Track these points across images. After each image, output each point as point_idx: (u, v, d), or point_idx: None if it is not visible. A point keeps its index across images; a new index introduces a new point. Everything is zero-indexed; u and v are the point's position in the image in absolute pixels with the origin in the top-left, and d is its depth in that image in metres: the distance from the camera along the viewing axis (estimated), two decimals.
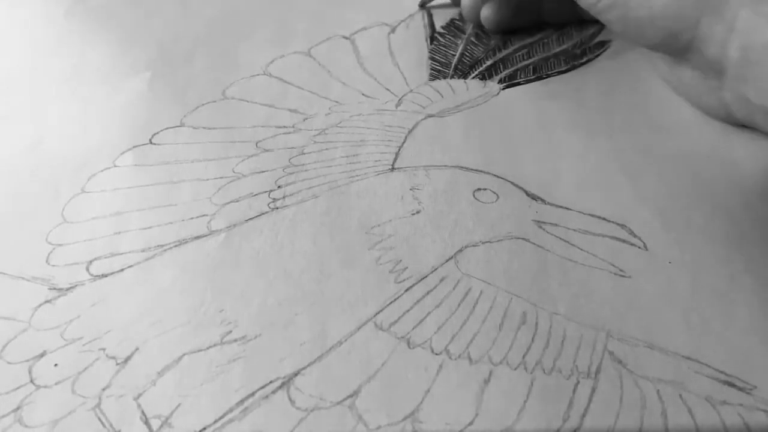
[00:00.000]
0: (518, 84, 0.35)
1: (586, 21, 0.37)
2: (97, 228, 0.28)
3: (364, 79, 0.35)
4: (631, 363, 0.24)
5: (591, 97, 0.34)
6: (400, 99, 0.34)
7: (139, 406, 0.23)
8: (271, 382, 0.23)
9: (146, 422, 0.22)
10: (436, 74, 0.36)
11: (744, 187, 0.29)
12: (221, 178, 0.30)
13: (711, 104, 0.31)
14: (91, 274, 0.27)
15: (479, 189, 0.29)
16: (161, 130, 0.32)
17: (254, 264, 0.27)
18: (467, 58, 0.37)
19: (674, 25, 0.28)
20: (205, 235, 0.28)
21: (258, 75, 0.35)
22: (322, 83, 0.35)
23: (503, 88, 0.35)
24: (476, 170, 0.30)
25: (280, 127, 0.33)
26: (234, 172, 0.31)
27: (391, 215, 0.28)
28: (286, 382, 0.23)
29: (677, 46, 0.29)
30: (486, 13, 0.37)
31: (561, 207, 0.29)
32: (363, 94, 0.34)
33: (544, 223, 0.28)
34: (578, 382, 0.23)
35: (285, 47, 0.37)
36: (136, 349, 0.24)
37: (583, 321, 0.25)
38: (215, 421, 0.22)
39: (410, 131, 0.33)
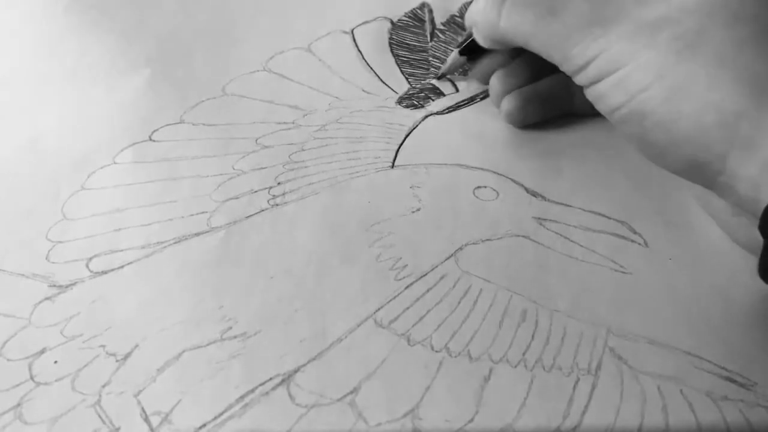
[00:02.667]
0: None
1: None
2: (97, 225, 0.28)
3: (365, 74, 0.35)
4: (631, 359, 0.24)
5: None
6: (400, 96, 0.34)
7: (138, 402, 0.23)
8: (271, 378, 0.23)
9: (146, 419, 0.22)
10: (437, 71, 0.35)
11: None
12: (221, 174, 0.30)
13: (742, 237, 0.26)
14: (91, 271, 0.27)
15: (479, 187, 0.29)
16: (161, 127, 0.32)
17: (254, 261, 0.27)
18: None
19: (698, 155, 0.23)
20: (205, 232, 0.28)
21: (258, 71, 0.35)
22: (322, 79, 0.35)
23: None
24: (476, 168, 0.30)
25: (280, 123, 0.33)
26: (234, 168, 0.31)
27: (391, 213, 0.28)
28: (286, 379, 0.23)
29: (703, 177, 0.24)
30: (508, 107, 0.32)
31: (561, 204, 0.29)
32: (363, 90, 0.34)
33: (545, 220, 0.28)
34: (578, 379, 0.23)
35: (285, 43, 0.37)
36: (136, 345, 0.24)
37: (584, 318, 0.25)
38: (215, 418, 0.22)
39: (411, 129, 0.33)
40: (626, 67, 0.24)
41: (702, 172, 0.23)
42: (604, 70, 0.25)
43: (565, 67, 0.27)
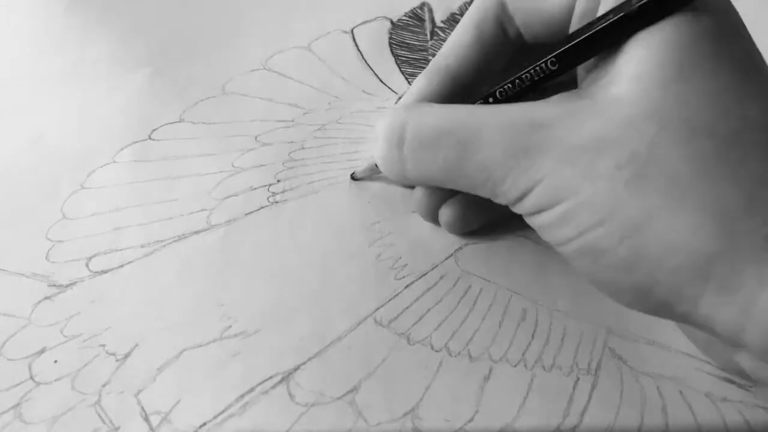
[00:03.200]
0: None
1: None
2: (97, 224, 0.28)
3: (365, 74, 0.35)
4: (631, 359, 0.24)
5: None
6: (400, 96, 0.34)
7: (138, 402, 0.23)
8: (270, 377, 0.23)
9: (146, 418, 0.22)
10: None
11: None
12: (221, 172, 0.30)
13: (720, 357, 0.23)
14: (91, 271, 0.27)
15: None
16: (161, 126, 0.32)
17: (254, 259, 0.27)
18: None
19: (665, 298, 0.20)
20: (205, 230, 0.28)
21: (258, 70, 0.35)
22: (322, 78, 0.35)
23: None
24: None
25: (279, 122, 0.33)
26: (233, 166, 0.30)
27: (391, 212, 0.28)
28: (286, 378, 0.23)
29: (671, 316, 0.20)
30: (447, 217, 0.27)
31: None
32: (363, 91, 0.34)
33: None
34: (578, 379, 0.23)
35: (285, 42, 0.37)
36: (136, 345, 0.24)
37: (584, 317, 0.25)
38: (215, 417, 0.22)
39: None
40: (569, 201, 0.20)
41: (670, 312, 0.20)
42: (542, 203, 0.21)
43: (498, 201, 0.23)
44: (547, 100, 0.22)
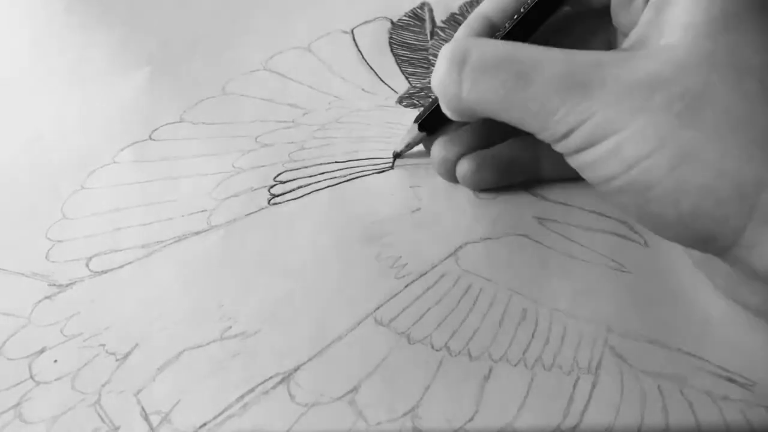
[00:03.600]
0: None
1: None
2: (97, 224, 0.28)
3: (365, 74, 0.35)
4: (631, 358, 0.24)
5: None
6: (400, 96, 0.34)
7: (138, 402, 0.23)
8: (270, 377, 0.23)
9: (146, 418, 0.22)
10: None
11: None
12: (221, 173, 0.30)
13: (752, 303, 0.24)
14: (91, 270, 0.27)
15: None
16: (161, 126, 0.32)
17: (254, 259, 0.27)
18: None
19: (710, 229, 0.20)
20: (205, 231, 0.28)
21: (258, 70, 0.35)
22: (322, 78, 0.35)
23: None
24: None
25: (279, 122, 0.33)
26: (234, 167, 0.31)
27: (391, 211, 0.28)
28: (286, 378, 0.23)
29: (712, 248, 0.21)
30: (464, 170, 0.28)
31: (561, 203, 0.29)
32: (363, 90, 0.34)
33: (545, 219, 0.28)
34: (578, 378, 0.23)
35: (285, 42, 0.37)
36: (136, 345, 0.24)
37: (584, 317, 0.25)
38: (215, 417, 0.22)
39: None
40: (619, 134, 0.21)
41: (712, 244, 0.21)
42: (591, 138, 0.22)
43: (543, 137, 0.23)
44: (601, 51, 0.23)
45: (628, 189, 0.21)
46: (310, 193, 0.29)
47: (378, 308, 0.25)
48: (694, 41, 0.21)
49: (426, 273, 0.26)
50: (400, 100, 0.34)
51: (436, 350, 0.24)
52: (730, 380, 0.23)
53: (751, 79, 0.20)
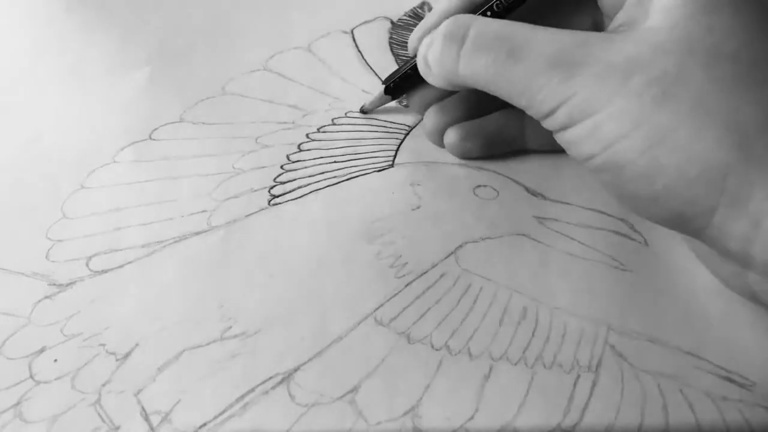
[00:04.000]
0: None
1: None
2: (97, 224, 0.28)
3: (365, 74, 0.35)
4: (632, 357, 0.24)
5: None
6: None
7: (138, 401, 0.23)
8: (271, 377, 0.23)
9: (146, 418, 0.22)
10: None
11: None
12: (221, 173, 0.30)
13: (733, 282, 0.24)
14: (91, 270, 0.27)
15: (479, 185, 0.29)
16: (161, 126, 0.32)
17: (254, 259, 0.27)
18: None
19: (682, 209, 0.21)
20: (205, 231, 0.28)
21: (258, 70, 0.35)
22: (322, 79, 0.35)
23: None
24: (476, 166, 0.30)
25: (280, 123, 0.33)
26: (234, 167, 0.31)
27: (391, 210, 0.28)
28: (286, 378, 0.23)
29: (687, 229, 0.22)
30: (451, 139, 0.30)
31: (561, 202, 0.29)
32: (363, 90, 0.34)
33: (545, 218, 0.28)
34: (579, 377, 0.23)
35: (285, 42, 0.37)
36: (136, 344, 0.24)
37: (584, 315, 0.25)
38: (215, 417, 0.22)
39: (411, 127, 0.33)
40: (597, 115, 0.22)
41: (686, 224, 0.22)
42: (573, 116, 0.23)
43: (531, 112, 0.24)
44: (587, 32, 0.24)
45: (606, 167, 0.23)
46: (309, 193, 0.29)
47: (378, 308, 0.25)
48: (674, 24, 0.22)
49: (426, 272, 0.26)
50: (399, 101, 0.34)
51: (436, 350, 0.24)
52: (730, 380, 0.23)
53: (725, 63, 0.21)
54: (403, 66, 0.31)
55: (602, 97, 0.22)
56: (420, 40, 0.29)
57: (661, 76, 0.21)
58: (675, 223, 0.22)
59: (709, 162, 0.20)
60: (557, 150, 0.26)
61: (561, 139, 0.24)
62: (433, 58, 0.27)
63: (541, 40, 0.23)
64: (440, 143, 0.31)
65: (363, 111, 0.33)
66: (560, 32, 0.23)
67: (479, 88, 0.26)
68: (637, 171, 0.22)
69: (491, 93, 0.25)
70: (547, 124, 0.24)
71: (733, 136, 0.20)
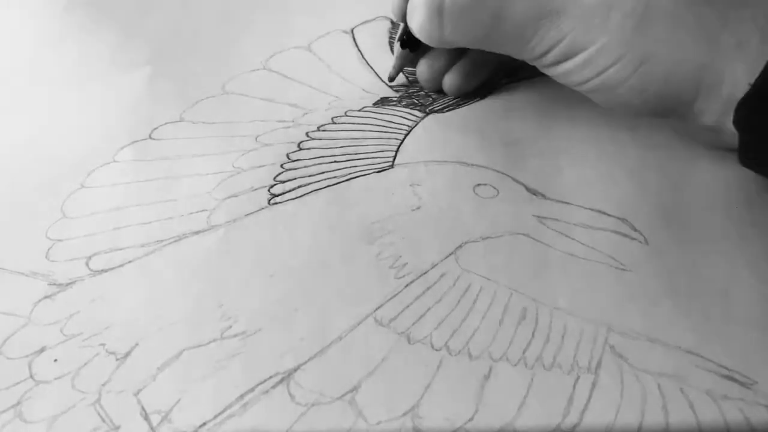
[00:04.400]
0: (520, 79, 0.34)
1: None
2: (97, 223, 0.28)
3: (365, 74, 0.35)
4: (631, 357, 0.23)
5: None
6: (400, 95, 0.34)
7: (138, 401, 0.23)
8: (270, 377, 0.23)
9: (146, 418, 0.22)
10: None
11: (745, 181, 0.29)
12: (221, 172, 0.30)
13: (706, 141, 0.30)
14: (91, 270, 0.27)
15: (479, 184, 0.29)
16: (161, 125, 0.32)
17: (254, 259, 0.27)
18: None
19: (670, 105, 0.27)
20: (205, 230, 0.28)
21: (258, 70, 0.35)
22: (322, 78, 0.35)
23: (505, 84, 0.34)
24: (476, 166, 0.30)
25: (279, 122, 0.33)
26: (234, 166, 0.31)
27: (391, 211, 0.28)
28: (286, 378, 0.23)
29: (672, 115, 0.28)
30: (451, 82, 0.33)
31: (561, 202, 0.29)
32: (363, 90, 0.34)
33: (545, 218, 0.28)
34: (579, 377, 0.23)
35: (285, 42, 0.37)
36: (136, 344, 0.24)
37: (584, 315, 0.25)
38: (215, 417, 0.22)
39: (411, 127, 0.33)
40: (588, 50, 0.26)
41: (671, 113, 0.27)
42: (565, 55, 0.27)
43: (522, 58, 0.28)
44: None
45: (599, 88, 0.27)
46: (309, 192, 0.29)
47: (378, 308, 0.25)
48: None
49: (426, 272, 0.26)
50: (399, 99, 0.34)
51: (436, 350, 0.24)
52: (730, 379, 0.23)
53: None
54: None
55: (588, 36, 0.26)
56: (402, 5, 0.30)
57: (634, 8, 0.25)
58: (661, 114, 0.28)
59: (687, 65, 0.26)
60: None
61: (551, 72, 0.28)
62: (417, 28, 0.29)
63: None
64: (437, 89, 0.33)
65: (390, 79, 0.34)
66: None
67: (469, 46, 0.29)
68: (630, 86, 0.26)
69: (481, 48, 0.28)
70: (539, 64, 0.28)
71: (703, 41, 0.25)
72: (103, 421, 0.22)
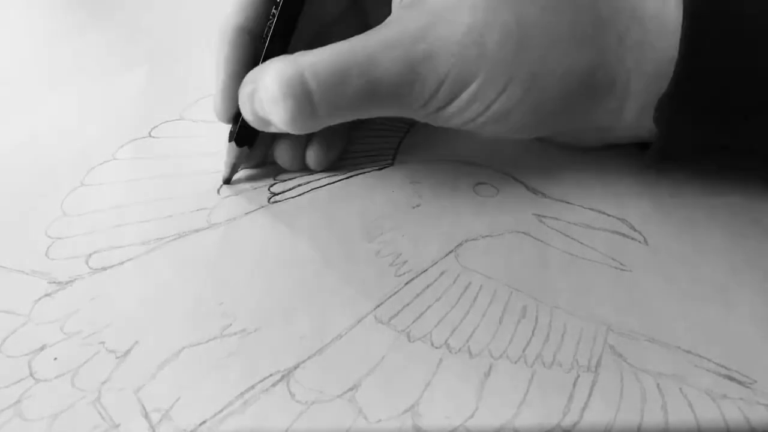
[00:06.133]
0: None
1: None
2: (97, 221, 0.28)
3: None
4: (631, 356, 0.24)
5: None
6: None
7: (139, 399, 0.23)
8: (270, 375, 0.23)
9: (146, 416, 0.22)
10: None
11: (744, 180, 0.29)
12: (221, 171, 0.30)
13: (593, 142, 0.30)
14: (91, 268, 0.27)
15: (480, 183, 0.29)
16: (161, 123, 0.32)
17: (254, 257, 0.27)
18: None
19: (570, 117, 0.27)
20: (205, 229, 0.28)
21: None
22: None
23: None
24: (477, 164, 0.30)
25: None
26: None
27: (391, 209, 0.28)
28: (286, 376, 0.23)
29: (570, 128, 0.28)
30: (313, 157, 0.30)
31: (561, 201, 0.29)
32: None
33: (545, 217, 0.28)
34: (578, 376, 0.23)
35: None
36: (136, 342, 0.24)
37: (584, 315, 0.25)
38: (215, 415, 0.22)
39: (411, 125, 0.33)
40: (472, 86, 0.24)
41: (570, 125, 0.27)
42: (449, 96, 0.25)
43: (408, 114, 0.26)
44: (393, 18, 0.25)
45: (492, 119, 0.25)
46: (309, 191, 0.29)
47: (378, 306, 0.25)
48: None
49: (426, 270, 0.26)
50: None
51: (436, 348, 0.24)
52: (730, 378, 0.23)
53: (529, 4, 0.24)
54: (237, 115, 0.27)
55: (469, 70, 0.24)
56: (230, 110, 0.28)
57: (509, 29, 0.24)
58: (562, 128, 0.28)
59: (576, 72, 0.25)
60: None
61: (443, 116, 0.26)
62: (285, 122, 0.25)
63: (383, 51, 0.24)
64: (302, 168, 0.30)
65: (227, 182, 0.30)
66: (389, 31, 0.24)
67: (349, 119, 0.26)
68: (522, 111, 0.25)
69: (360, 117, 0.26)
70: (426, 113, 0.26)
71: (584, 44, 0.25)
72: (103, 419, 0.22)
